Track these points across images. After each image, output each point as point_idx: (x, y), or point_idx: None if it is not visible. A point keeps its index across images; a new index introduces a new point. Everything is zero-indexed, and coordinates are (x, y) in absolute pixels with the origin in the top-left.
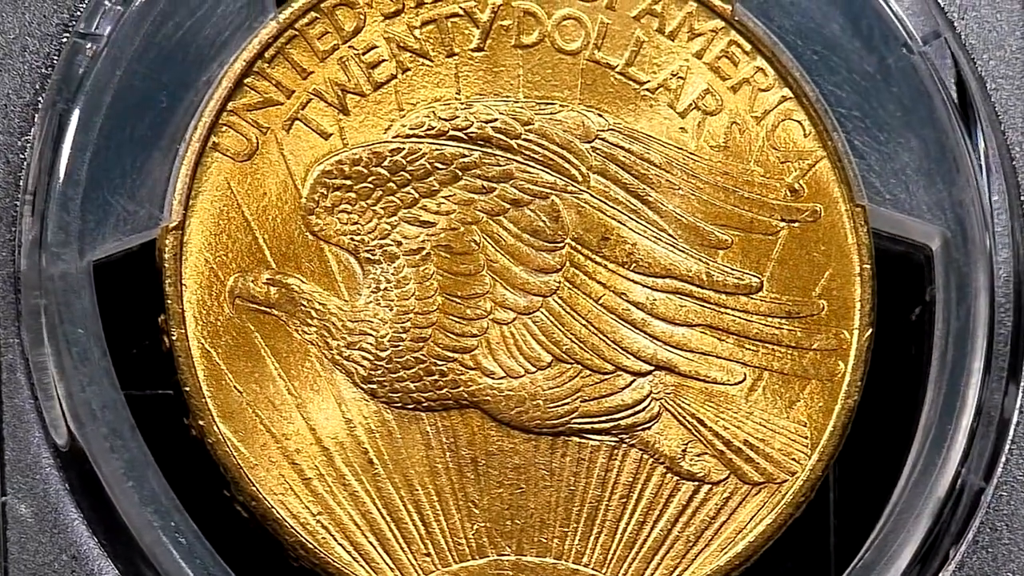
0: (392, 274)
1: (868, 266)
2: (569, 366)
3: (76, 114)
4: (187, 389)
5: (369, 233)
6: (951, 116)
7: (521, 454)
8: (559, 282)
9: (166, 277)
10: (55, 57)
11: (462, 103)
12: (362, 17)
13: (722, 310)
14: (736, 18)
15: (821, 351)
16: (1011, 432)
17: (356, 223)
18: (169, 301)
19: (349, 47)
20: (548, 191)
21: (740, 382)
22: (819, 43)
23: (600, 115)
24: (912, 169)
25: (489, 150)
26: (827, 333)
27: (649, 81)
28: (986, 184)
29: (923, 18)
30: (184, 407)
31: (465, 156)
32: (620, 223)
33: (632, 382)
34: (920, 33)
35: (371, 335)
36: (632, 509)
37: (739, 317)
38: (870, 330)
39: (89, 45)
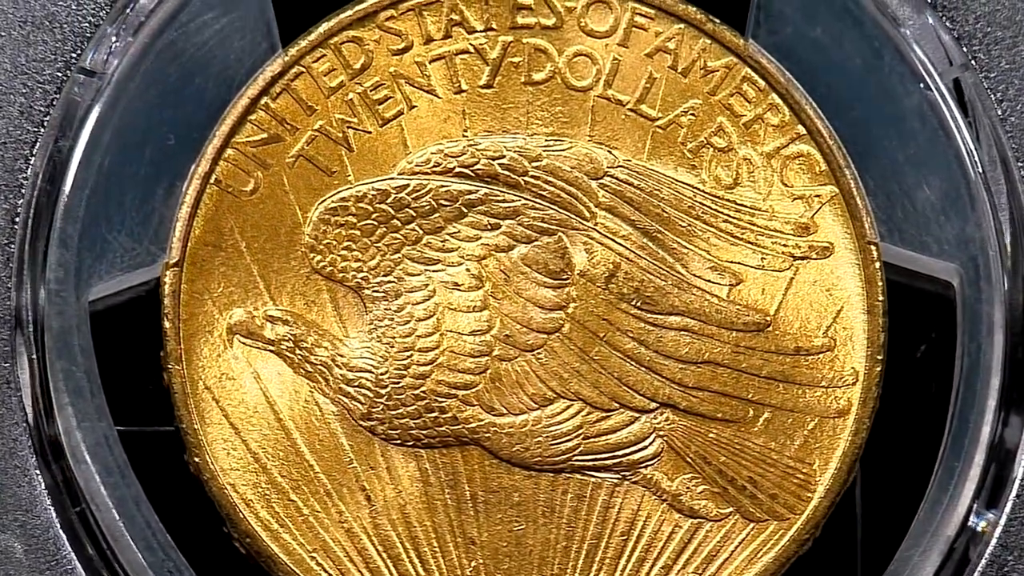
0: (395, 311)
1: (879, 303)
2: (572, 403)
3: (77, 150)
4: (183, 426)
5: (372, 270)
6: (968, 154)
7: (521, 491)
8: (564, 319)
9: (165, 313)
10: (56, 92)
11: (469, 140)
12: (370, 54)
13: (730, 347)
14: (749, 55)
15: (829, 388)
16: (1021, 470)
17: (360, 260)
18: (168, 338)
19: (356, 83)
20: (555, 228)
21: (746, 418)
22: (834, 80)
23: (610, 151)
24: (927, 206)
25: (496, 187)
26: (836, 370)
27: (660, 118)
28: (1003, 222)
29: (940, 55)
30: (181, 444)
31: (471, 193)
32: (628, 260)
33: (636, 419)
34: (937, 70)
35: (371, 372)
36: (632, 547)
37: (747, 354)
38: (880, 367)
39: (92, 80)
